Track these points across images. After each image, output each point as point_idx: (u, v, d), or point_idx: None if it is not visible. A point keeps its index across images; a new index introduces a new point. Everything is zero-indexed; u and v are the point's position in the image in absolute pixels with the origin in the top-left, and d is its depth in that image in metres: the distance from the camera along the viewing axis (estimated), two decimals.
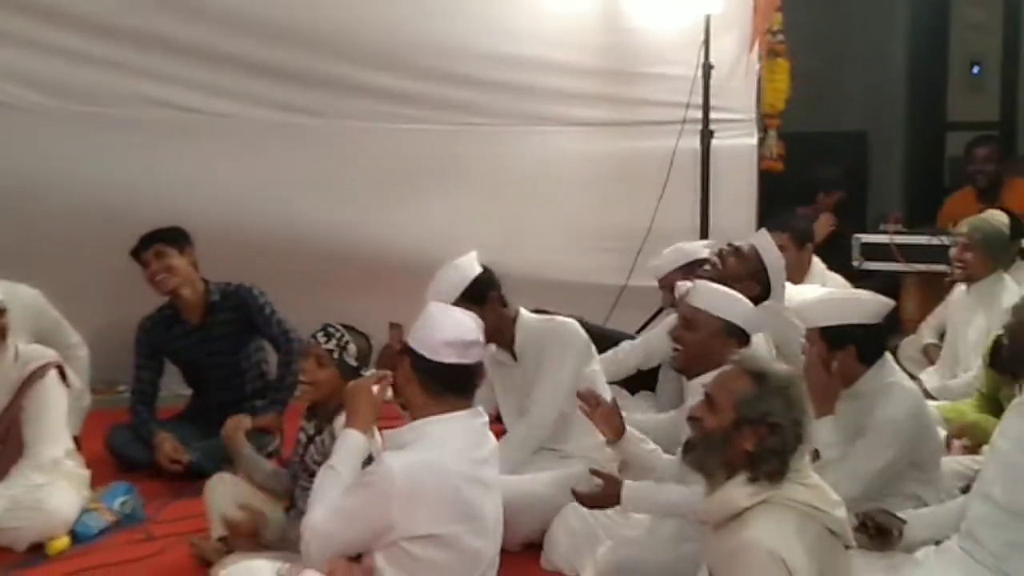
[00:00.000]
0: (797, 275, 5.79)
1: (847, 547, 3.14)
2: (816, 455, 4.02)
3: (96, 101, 6.16)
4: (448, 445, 3.10)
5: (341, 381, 3.71)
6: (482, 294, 4.50)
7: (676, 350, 4.14)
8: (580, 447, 4.59)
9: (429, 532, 3.02)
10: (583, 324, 5.00)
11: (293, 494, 3.95)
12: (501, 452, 4.31)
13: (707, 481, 3.10)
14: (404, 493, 2.98)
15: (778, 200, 7.19)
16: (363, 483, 3.07)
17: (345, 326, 3.87)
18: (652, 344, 5.39)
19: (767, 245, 5.18)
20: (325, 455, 3.51)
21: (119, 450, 5.30)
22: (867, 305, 4.02)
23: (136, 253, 5.30)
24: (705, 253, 5.44)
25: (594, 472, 3.94)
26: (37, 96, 6.10)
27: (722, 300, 4.11)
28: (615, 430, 4.07)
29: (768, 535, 2.88)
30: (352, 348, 3.82)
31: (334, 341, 3.81)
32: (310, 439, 3.89)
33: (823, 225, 7.38)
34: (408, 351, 3.24)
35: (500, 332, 4.60)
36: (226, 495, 4.11)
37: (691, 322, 4.08)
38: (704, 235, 6.65)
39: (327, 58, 6.39)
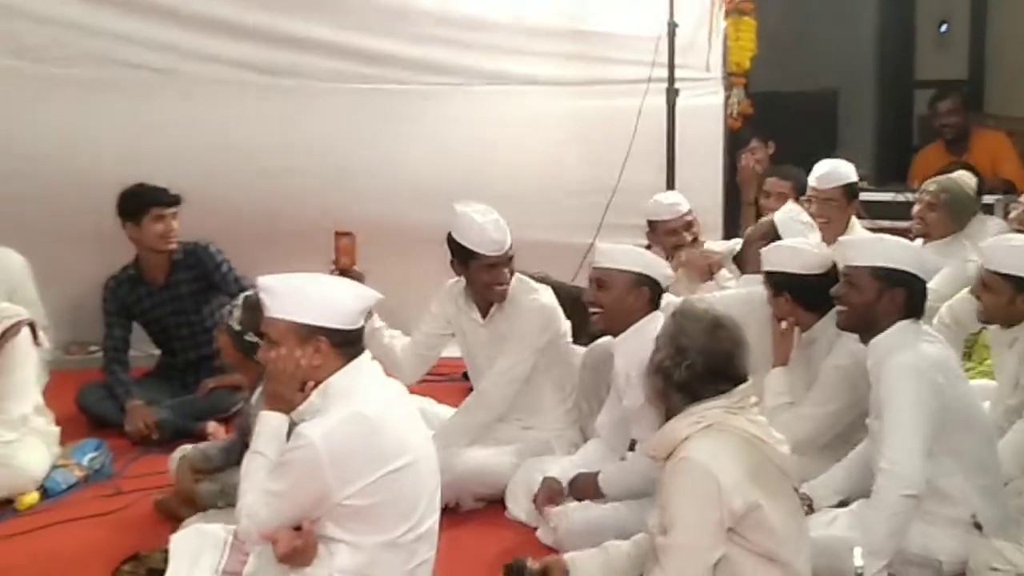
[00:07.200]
0: None
1: (796, 489, 3.24)
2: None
3: (55, 62, 6.19)
4: (357, 395, 3.10)
5: (235, 349, 3.94)
6: None
7: (595, 313, 4.19)
8: (544, 421, 4.65)
9: (368, 482, 3.04)
10: (548, 281, 5.04)
11: None
12: (450, 424, 4.50)
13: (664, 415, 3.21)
14: (333, 458, 2.99)
15: None
16: (288, 461, 3.05)
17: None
18: None
19: None
20: (247, 428, 3.55)
21: (90, 408, 5.36)
22: (808, 257, 4.10)
23: (144, 209, 5.32)
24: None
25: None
26: None
27: (625, 255, 4.17)
28: None
29: (702, 453, 3.02)
30: (237, 314, 3.95)
31: (227, 310, 4.02)
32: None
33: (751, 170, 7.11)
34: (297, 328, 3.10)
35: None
36: (186, 473, 4.28)
37: (603, 282, 4.15)
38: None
39: (288, 17, 6.43)
